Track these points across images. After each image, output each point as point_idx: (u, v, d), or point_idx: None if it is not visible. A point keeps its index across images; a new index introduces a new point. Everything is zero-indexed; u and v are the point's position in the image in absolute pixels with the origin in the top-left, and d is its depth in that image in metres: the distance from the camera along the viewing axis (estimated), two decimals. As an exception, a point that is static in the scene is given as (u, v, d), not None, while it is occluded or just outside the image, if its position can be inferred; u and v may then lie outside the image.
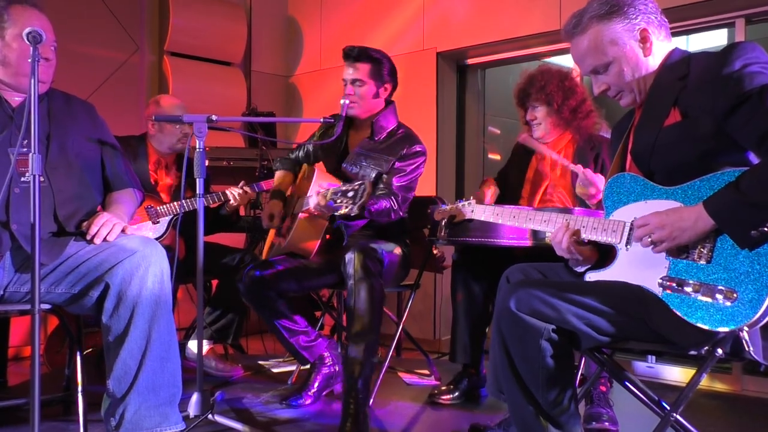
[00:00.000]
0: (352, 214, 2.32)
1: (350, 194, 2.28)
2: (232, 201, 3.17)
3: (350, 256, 2.50)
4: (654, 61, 1.75)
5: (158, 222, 3.05)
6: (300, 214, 2.67)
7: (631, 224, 1.67)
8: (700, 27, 3.54)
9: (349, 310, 2.51)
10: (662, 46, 1.75)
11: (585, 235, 1.76)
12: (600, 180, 2.52)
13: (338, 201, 2.29)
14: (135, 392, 1.98)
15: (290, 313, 2.73)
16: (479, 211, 2.13)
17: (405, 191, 2.77)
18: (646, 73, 1.74)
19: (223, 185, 3.69)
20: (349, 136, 2.95)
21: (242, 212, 3.44)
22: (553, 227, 1.84)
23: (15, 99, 2.19)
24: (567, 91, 2.76)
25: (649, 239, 1.59)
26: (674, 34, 1.77)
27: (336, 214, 2.41)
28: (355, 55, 2.79)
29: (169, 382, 2.04)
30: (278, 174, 3.11)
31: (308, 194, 2.69)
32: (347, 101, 2.77)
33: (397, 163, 2.77)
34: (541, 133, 2.83)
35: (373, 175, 2.77)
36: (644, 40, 1.73)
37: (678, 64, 1.71)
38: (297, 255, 2.77)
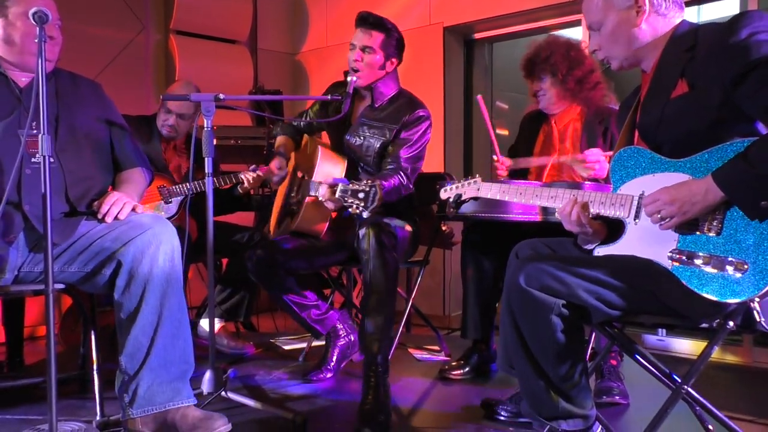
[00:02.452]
0: (364, 216, 2.27)
1: (361, 195, 2.20)
2: (246, 184, 3.16)
3: (364, 232, 2.49)
4: (649, 32, 1.73)
5: (170, 202, 3.06)
6: (307, 198, 2.66)
7: (640, 198, 1.66)
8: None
9: (365, 285, 2.51)
10: (662, 19, 1.72)
11: (593, 210, 1.75)
12: (595, 154, 2.49)
13: (348, 200, 2.23)
14: (147, 368, 2.00)
15: (299, 288, 2.74)
16: (485, 188, 2.12)
17: (413, 162, 2.72)
18: (638, 44, 1.74)
19: (232, 164, 3.68)
20: (352, 105, 2.87)
21: (252, 191, 3.44)
22: (561, 203, 1.84)
23: (22, 79, 2.19)
24: (573, 61, 2.73)
25: (659, 215, 1.58)
26: (686, 4, 1.75)
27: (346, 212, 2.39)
28: (371, 22, 2.72)
29: (180, 359, 2.07)
30: (279, 138, 3.07)
31: (313, 178, 2.68)
32: (354, 78, 2.73)
33: (403, 132, 2.72)
34: (546, 104, 2.80)
35: (378, 146, 2.73)
36: (639, 9, 1.71)
37: (685, 35, 1.69)
38: (306, 235, 2.77)
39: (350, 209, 2.22)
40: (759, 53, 1.48)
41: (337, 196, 2.26)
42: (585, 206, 1.77)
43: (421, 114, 2.75)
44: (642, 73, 1.82)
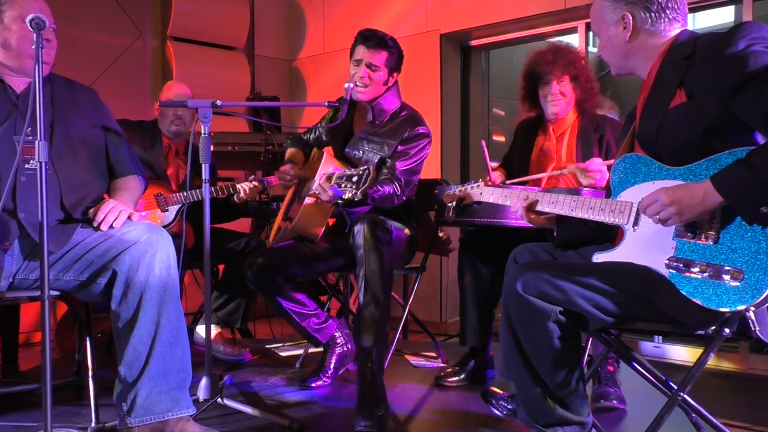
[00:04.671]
0: (356, 200, 2.32)
1: (354, 179, 2.28)
2: (242, 194, 3.16)
3: (359, 227, 2.50)
4: (639, 46, 1.76)
5: (167, 210, 3.05)
6: (306, 199, 2.67)
7: (639, 205, 1.67)
8: (708, 4, 3.50)
9: (359, 280, 2.50)
10: (652, 34, 1.75)
11: (593, 216, 1.76)
12: (597, 164, 2.50)
13: (342, 185, 2.30)
14: (146, 377, 1.99)
15: (298, 297, 2.74)
16: (488, 193, 2.13)
17: (409, 175, 2.74)
18: (627, 56, 1.80)
19: (229, 170, 3.68)
20: (353, 119, 2.93)
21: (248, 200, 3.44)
22: (561, 209, 1.84)
23: (18, 85, 2.19)
24: (585, 68, 2.77)
25: (658, 216, 1.59)
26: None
27: (340, 199, 2.41)
28: (376, 41, 2.75)
29: (179, 367, 2.05)
30: (289, 150, 3.10)
31: (315, 177, 2.69)
32: (352, 84, 2.73)
33: (399, 146, 2.74)
34: (559, 108, 2.76)
35: (376, 160, 2.76)
36: (625, 26, 1.76)
37: (685, 44, 1.70)
38: (303, 239, 2.78)
39: (343, 195, 2.30)
40: (756, 64, 1.49)
41: (332, 182, 2.34)
42: (533, 204, 1.92)
43: (421, 131, 2.77)
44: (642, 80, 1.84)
